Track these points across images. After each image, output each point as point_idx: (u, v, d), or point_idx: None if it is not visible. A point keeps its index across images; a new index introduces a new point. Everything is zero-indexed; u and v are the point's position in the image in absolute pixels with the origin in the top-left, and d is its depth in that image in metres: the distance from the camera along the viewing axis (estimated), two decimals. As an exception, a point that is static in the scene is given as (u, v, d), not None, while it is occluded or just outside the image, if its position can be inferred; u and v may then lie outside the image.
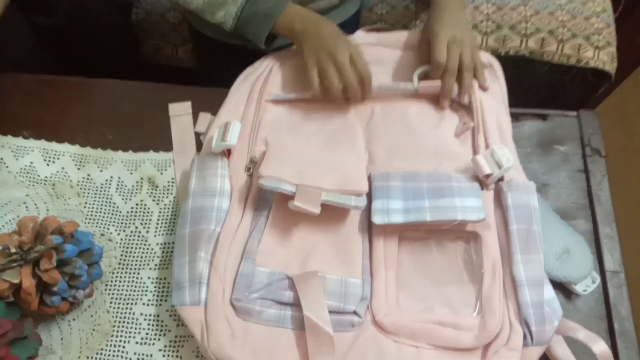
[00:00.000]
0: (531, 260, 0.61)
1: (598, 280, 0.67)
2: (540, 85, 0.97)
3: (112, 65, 0.98)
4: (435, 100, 0.75)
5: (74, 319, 0.64)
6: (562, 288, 0.67)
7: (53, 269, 0.56)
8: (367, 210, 0.65)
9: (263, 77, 0.76)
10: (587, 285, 0.67)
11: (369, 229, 0.66)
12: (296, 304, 0.60)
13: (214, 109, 0.75)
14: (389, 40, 0.81)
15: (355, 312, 0.60)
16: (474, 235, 0.65)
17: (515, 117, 0.77)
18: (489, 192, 0.67)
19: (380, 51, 0.80)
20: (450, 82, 0.72)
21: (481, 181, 0.66)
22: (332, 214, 0.65)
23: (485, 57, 0.78)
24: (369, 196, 0.65)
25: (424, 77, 0.75)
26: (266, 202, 0.66)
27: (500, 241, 0.64)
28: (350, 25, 0.86)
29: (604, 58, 0.93)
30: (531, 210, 0.64)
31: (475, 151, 0.71)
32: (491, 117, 0.72)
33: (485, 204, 0.64)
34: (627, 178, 1.14)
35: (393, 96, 0.76)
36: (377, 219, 0.63)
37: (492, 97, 0.75)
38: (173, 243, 0.68)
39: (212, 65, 0.96)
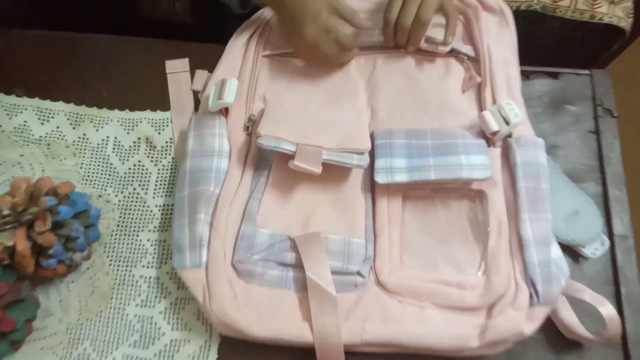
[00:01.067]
0: (539, 219, 0.60)
1: (607, 242, 0.66)
2: (551, 42, 0.93)
3: (106, 21, 0.94)
4: (442, 44, 0.71)
5: (72, 282, 0.63)
6: (569, 252, 0.65)
7: (48, 232, 0.55)
8: (370, 169, 0.63)
9: (259, 32, 0.73)
10: (595, 248, 0.65)
11: (372, 187, 0.64)
12: (298, 265, 0.59)
13: (211, 66, 0.72)
14: None
15: (358, 273, 0.59)
16: (480, 194, 0.63)
17: (525, 76, 0.75)
18: (496, 149, 0.65)
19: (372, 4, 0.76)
20: (401, 38, 0.69)
21: (488, 138, 0.64)
22: (334, 173, 0.63)
23: (496, 2, 0.74)
24: (372, 154, 0.63)
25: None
26: (266, 161, 0.65)
27: (507, 199, 0.62)
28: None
29: (619, 14, 0.89)
30: (539, 168, 0.62)
31: (481, 106, 0.68)
32: (499, 69, 0.69)
33: (492, 161, 0.62)
34: (636, 140, 1.11)
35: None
36: (380, 178, 0.61)
37: (502, 45, 0.72)
38: (172, 205, 0.66)
39: (208, 20, 0.92)
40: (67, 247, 0.58)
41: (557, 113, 0.74)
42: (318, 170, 0.59)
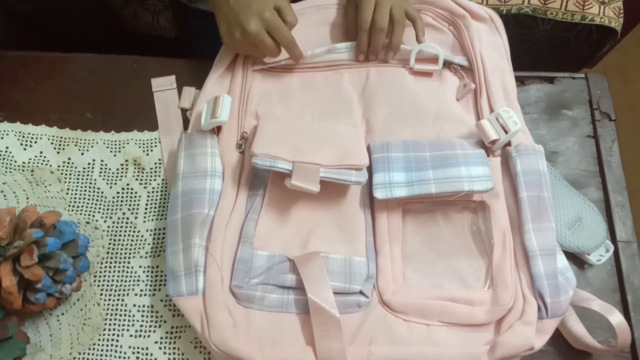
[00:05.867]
0: (543, 229, 0.58)
1: (612, 248, 0.65)
2: (543, 44, 0.92)
3: (88, 37, 0.92)
4: (434, 61, 0.70)
5: (62, 314, 0.60)
6: (574, 259, 0.65)
7: (35, 265, 0.52)
8: (368, 184, 0.61)
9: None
10: (600, 254, 0.64)
11: (371, 203, 0.63)
12: (299, 287, 0.57)
13: (198, 82, 0.70)
14: None
15: (361, 292, 0.57)
16: (482, 205, 0.62)
17: (520, 81, 0.74)
18: (496, 158, 0.63)
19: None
20: (379, 39, 0.67)
21: (487, 147, 0.63)
22: (332, 189, 0.61)
23: (484, 10, 0.74)
24: (369, 169, 0.61)
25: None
26: (261, 180, 0.63)
27: (510, 210, 0.61)
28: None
29: (610, 14, 0.88)
30: (541, 176, 0.60)
31: (478, 114, 0.67)
32: (494, 76, 0.68)
33: (492, 171, 0.61)
34: (632, 138, 1.11)
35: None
36: (379, 194, 0.59)
37: (495, 52, 0.71)
38: (164, 229, 0.64)
39: (194, 34, 0.90)
40: (56, 279, 0.55)
41: (554, 118, 0.73)
42: (316, 189, 0.57)
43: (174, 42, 1.03)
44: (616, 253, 0.65)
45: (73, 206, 0.65)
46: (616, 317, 0.56)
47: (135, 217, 0.65)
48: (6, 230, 0.52)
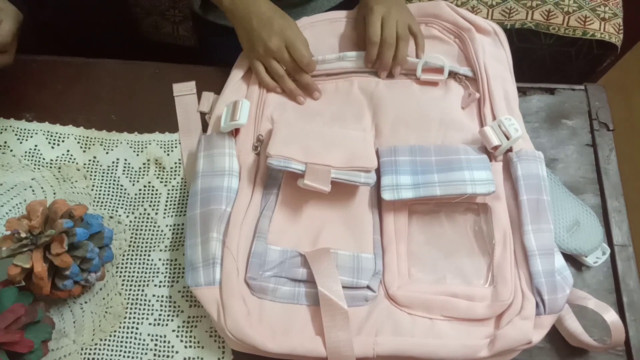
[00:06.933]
0: (542, 230, 0.61)
1: (608, 251, 0.67)
2: (546, 58, 0.96)
3: (110, 46, 0.96)
4: (439, 71, 0.74)
5: (86, 302, 0.63)
6: (572, 261, 0.67)
7: (64, 253, 0.56)
8: (376, 185, 0.65)
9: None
10: (597, 257, 0.67)
11: (379, 203, 0.66)
12: (310, 281, 0.60)
13: (216, 88, 0.74)
14: None
15: (368, 287, 0.60)
16: (484, 207, 0.65)
17: (522, 92, 0.77)
18: (498, 163, 0.67)
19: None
20: (389, 54, 0.71)
21: (490, 152, 0.66)
22: (341, 190, 0.64)
23: (488, 24, 0.77)
24: (377, 171, 0.65)
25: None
26: (275, 180, 0.66)
27: (510, 211, 0.64)
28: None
29: (610, 30, 0.92)
30: (540, 180, 0.64)
31: (482, 122, 0.71)
32: (497, 86, 0.72)
33: (494, 175, 0.64)
34: (630, 150, 1.14)
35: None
36: (386, 195, 0.63)
37: (498, 63, 0.74)
38: (182, 224, 0.68)
39: (212, 45, 0.94)
40: (82, 268, 0.59)
41: (555, 127, 0.76)
42: (327, 188, 0.61)
43: (192, 50, 1.08)
44: (612, 256, 0.68)
45: (98, 201, 0.69)
46: (611, 315, 0.59)
47: (156, 213, 0.69)
48: (39, 220, 0.56)
